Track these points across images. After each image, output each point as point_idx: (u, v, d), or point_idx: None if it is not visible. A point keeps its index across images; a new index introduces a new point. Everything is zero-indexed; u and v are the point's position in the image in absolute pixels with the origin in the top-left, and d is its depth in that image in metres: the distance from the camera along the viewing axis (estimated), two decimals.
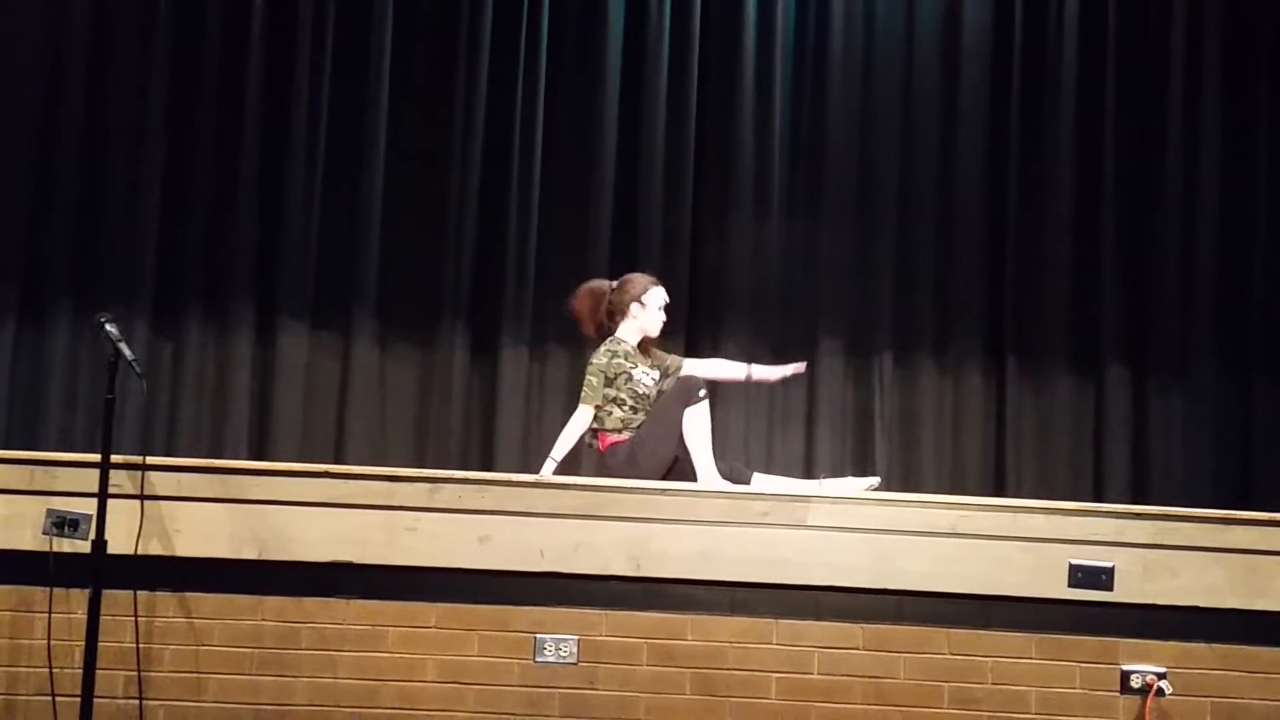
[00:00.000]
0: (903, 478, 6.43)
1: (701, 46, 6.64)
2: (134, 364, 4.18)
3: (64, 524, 4.26)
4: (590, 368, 5.07)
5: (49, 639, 4.23)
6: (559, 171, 6.58)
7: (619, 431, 5.04)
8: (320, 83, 6.45)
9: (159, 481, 4.35)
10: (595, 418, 5.06)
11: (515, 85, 6.54)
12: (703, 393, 4.97)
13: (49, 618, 4.23)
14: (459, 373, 6.41)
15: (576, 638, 4.36)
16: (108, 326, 4.22)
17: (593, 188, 6.54)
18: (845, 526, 4.44)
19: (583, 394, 5.06)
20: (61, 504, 4.29)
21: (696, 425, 4.92)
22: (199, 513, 4.36)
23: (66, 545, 4.25)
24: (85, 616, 4.08)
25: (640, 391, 5.07)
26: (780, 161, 6.65)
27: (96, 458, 4.15)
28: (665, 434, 4.94)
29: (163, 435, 6.23)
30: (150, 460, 4.38)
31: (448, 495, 4.42)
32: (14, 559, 4.29)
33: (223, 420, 6.29)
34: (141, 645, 4.27)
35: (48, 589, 4.25)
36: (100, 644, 4.09)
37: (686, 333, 6.49)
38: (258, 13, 6.42)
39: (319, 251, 6.41)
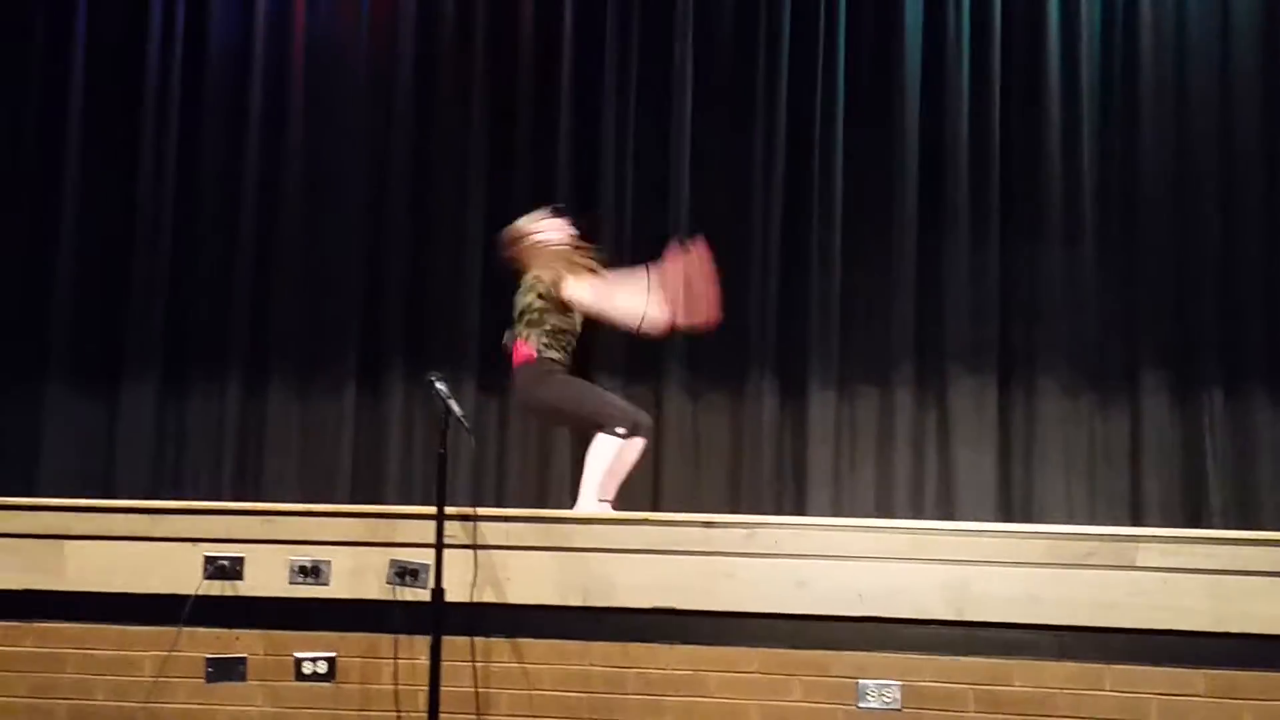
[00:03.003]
0: (1239, 516, 6.05)
1: (1003, 66, 6.49)
2: (463, 420, 4.38)
3: (406, 574, 4.50)
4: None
5: (396, 684, 4.46)
6: (860, 214, 6.53)
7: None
8: (625, 142, 6.66)
9: (489, 531, 4.53)
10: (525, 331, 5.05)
11: (813, 142, 6.54)
12: (621, 430, 4.90)
13: (395, 663, 4.48)
14: (769, 418, 6.44)
15: (899, 683, 4.31)
16: (438, 385, 4.38)
17: (894, 224, 6.48)
18: (1179, 567, 4.24)
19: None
20: (403, 555, 4.53)
21: (600, 452, 4.89)
22: (527, 561, 4.52)
23: (409, 594, 4.48)
24: (428, 662, 4.25)
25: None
26: (1090, 181, 6.40)
27: (432, 510, 4.32)
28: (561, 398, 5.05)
29: (492, 486, 6.48)
30: (481, 511, 4.57)
31: (763, 540, 4.45)
32: (362, 608, 4.54)
33: (546, 470, 6.52)
34: (480, 690, 4.44)
35: (393, 636, 4.49)
36: (441, 688, 4.25)
37: (999, 368, 6.35)
38: (565, 66, 6.68)
39: None
